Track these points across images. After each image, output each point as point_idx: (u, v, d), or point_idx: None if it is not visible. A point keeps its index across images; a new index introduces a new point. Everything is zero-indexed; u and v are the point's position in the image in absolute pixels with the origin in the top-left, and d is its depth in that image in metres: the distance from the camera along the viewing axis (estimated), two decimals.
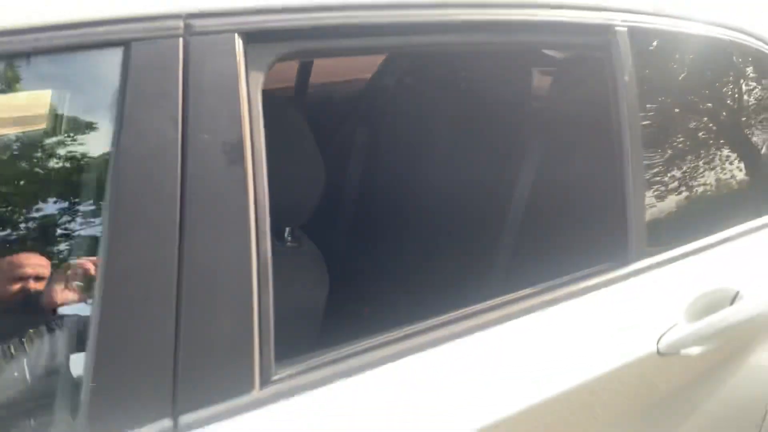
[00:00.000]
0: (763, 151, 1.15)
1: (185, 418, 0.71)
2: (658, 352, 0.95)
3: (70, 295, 0.74)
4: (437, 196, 1.12)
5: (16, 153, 0.76)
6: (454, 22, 0.89)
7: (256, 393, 0.75)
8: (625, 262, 0.98)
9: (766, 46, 1.12)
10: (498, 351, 0.86)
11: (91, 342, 0.68)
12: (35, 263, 0.74)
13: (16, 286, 0.73)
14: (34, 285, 0.73)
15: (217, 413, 0.73)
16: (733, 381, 1.05)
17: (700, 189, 1.09)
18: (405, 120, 1.25)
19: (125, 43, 0.72)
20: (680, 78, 1.11)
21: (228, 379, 0.74)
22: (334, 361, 0.78)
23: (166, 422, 0.70)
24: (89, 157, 0.74)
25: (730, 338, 1.02)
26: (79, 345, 0.70)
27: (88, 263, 0.74)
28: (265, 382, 0.75)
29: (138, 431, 0.69)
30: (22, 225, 0.74)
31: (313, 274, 0.96)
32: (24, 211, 0.74)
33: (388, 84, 1.33)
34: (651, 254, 1.00)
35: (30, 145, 0.76)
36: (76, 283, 0.73)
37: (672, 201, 1.06)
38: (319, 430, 0.76)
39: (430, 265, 1.05)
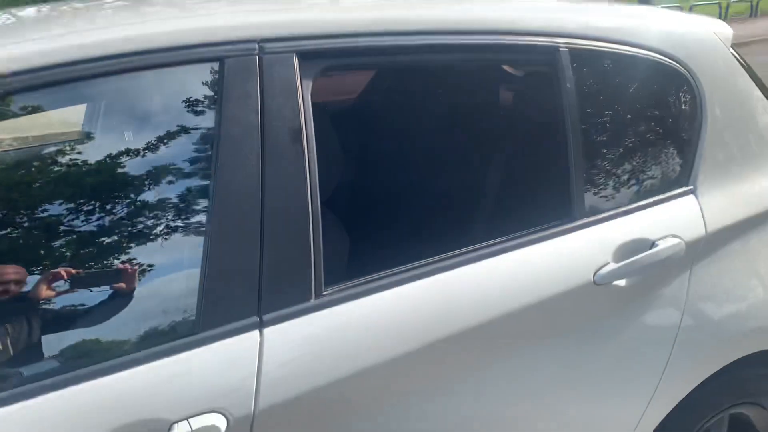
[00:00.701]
0: (662, 143, 1.51)
1: (267, 316, 1.04)
2: (594, 282, 1.31)
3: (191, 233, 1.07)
4: (432, 172, 1.46)
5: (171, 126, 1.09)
6: (440, 44, 1.25)
7: (312, 301, 1.08)
8: (571, 221, 1.34)
9: (676, 64, 1.50)
10: (476, 278, 1.21)
11: (204, 264, 1.01)
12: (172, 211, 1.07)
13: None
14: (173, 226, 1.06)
15: (287, 313, 1.06)
16: (651, 309, 1.41)
17: (623, 170, 1.45)
18: (400, 120, 1.60)
19: (221, 59, 1.07)
20: (606, 86, 1.47)
21: (294, 291, 1.07)
22: (357, 286, 1.12)
23: (255, 318, 1.03)
24: (204, 131, 1.07)
25: (648, 275, 1.38)
26: (195, 264, 1.03)
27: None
28: (318, 295, 1.09)
29: (237, 323, 1.02)
30: (170, 179, 1.07)
31: (339, 229, 1.30)
32: (171, 166, 1.07)
33: (382, 94, 1.67)
34: (588, 215, 1.36)
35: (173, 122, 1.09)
36: (193, 222, 1.06)
37: (602, 178, 1.42)
38: (350, 325, 1.09)
39: (425, 221, 1.39)
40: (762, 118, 1.66)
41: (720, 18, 14.10)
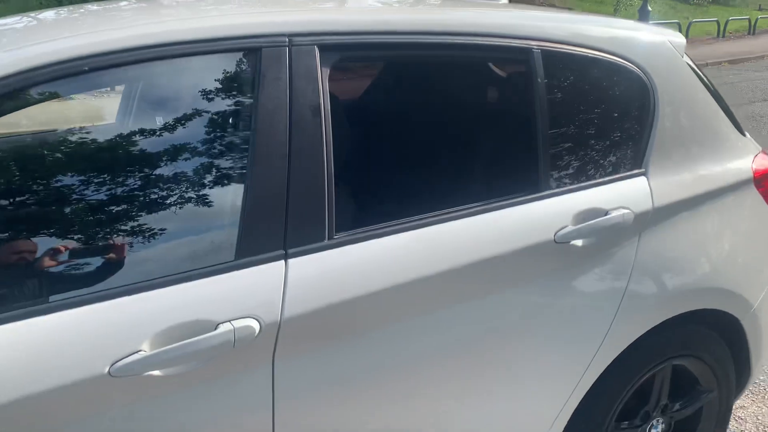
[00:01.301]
0: (619, 132, 1.80)
1: (291, 250, 1.33)
2: (555, 241, 1.59)
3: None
4: (427, 147, 1.74)
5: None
6: (433, 43, 1.55)
7: (326, 242, 1.37)
8: (538, 191, 1.63)
9: (627, 62, 1.79)
10: (458, 231, 1.49)
11: (243, 208, 1.30)
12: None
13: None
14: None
15: (306, 249, 1.35)
16: (603, 266, 1.69)
17: (584, 153, 1.74)
18: (398, 103, 1.89)
19: (259, 49, 1.36)
20: (571, 83, 1.76)
21: (312, 233, 1.36)
22: (361, 233, 1.40)
23: (281, 251, 1.32)
24: (245, 104, 1.36)
25: (601, 238, 1.66)
26: (237, 208, 1.31)
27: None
28: (330, 237, 1.37)
29: (269, 254, 1.30)
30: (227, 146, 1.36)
31: (348, 187, 1.59)
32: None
33: (386, 82, 1.96)
34: (553, 188, 1.65)
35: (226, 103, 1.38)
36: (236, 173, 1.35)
37: (566, 159, 1.71)
38: (353, 262, 1.37)
39: (419, 186, 1.67)
40: (707, 116, 1.96)
41: (718, 35, 14.41)
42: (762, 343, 2.07)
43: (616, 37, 1.84)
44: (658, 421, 1.96)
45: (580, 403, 1.75)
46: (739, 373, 2.08)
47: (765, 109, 9.05)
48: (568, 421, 1.76)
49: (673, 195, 1.82)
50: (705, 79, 2.03)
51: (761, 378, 2.85)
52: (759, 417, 2.57)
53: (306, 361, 1.33)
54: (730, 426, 2.49)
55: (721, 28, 20.85)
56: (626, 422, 1.90)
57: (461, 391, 1.56)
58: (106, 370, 1.14)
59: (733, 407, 2.54)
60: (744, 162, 2.01)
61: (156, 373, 1.18)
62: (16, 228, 1.21)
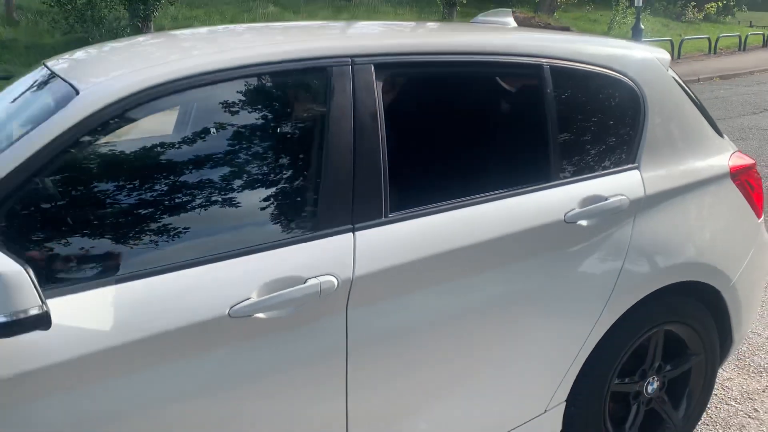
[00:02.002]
0: (616, 134, 2.16)
1: (357, 225, 1.68)
2: (565, 221, 1.95)
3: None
4: (462, 145, 2.08)
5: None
6: (464, 61, 1.92)
7: (382, 219, 1.72)
8: (550, 182, 1.99)
9: (620, 75, 2.16)
10: (486, 212, 1.85)
11: (321, 192, 1.65)
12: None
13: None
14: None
15: (368, 225, 1.70)
16: (605, 242, 2.04)
17: (587, 151, 2.10)
18: (435, 110, 2.23)
19: (329, 68, 1.72)
20: (575, 94, 2.12)
21: (373, 212, 1.71)
22: (409, 213, 1.75)
23: (350, 225, 1.67)
24: (319, 110, 1.72)
25: (602, 219, 2.01)
26: (316, 192, 1.67)
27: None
28: (386, 215, 1.73)
29: (341, 227, 1.66)
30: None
31: (398, 177, 1.94)
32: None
33: (424, 92, 2.31)
34: (562, 179, 2.01)
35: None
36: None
37: (573, 156, 2.07)
38: (403, 236, 1.72)
39: (454, 177, 2.01)
40: (689, 120, 2.32)
41: (710, 51, 14.92)
42: (741, 313, 2.42)
43: (612, 55, 2.21)
44: (653, 378, 2.30)
45: (586, 359, 2.09)
46: (723, 340, 2.43)
47: (754, 122, 9.47)
48: (577, 375, 2.10)
49: (662, 185, 2.18)
50: (687, 89, 2.40)
51: (745, 348, 3.19)
52: (743, 386, 2.90)
53: (370, 311, 1.68)
54: (717, 394, 2.83)
55: (713, 45, 21.39)
56: (626, 379, 2.24)
57: (491, 341, 1.90)
58: (227, 312, 1.49)
59: (721, 379, 2.89)
60: (722, 159, 2.37)
61: (261, 315, 1.53)
62: (167, 204, 1.56)
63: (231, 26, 2.18)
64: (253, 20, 20.03)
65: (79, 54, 2.06)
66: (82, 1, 14.67)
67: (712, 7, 36.32)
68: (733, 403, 2.79)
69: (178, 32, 2.18)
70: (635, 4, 18.26)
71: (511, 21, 2.61)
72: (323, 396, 1.65)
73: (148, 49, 1.98)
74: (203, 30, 2.21)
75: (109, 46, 2.09)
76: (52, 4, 14.78)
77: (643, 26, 18.62)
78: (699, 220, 2.28)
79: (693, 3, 34.58)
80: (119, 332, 1.40)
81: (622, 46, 2.31)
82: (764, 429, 2.61)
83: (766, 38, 27.23)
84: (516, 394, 2.00)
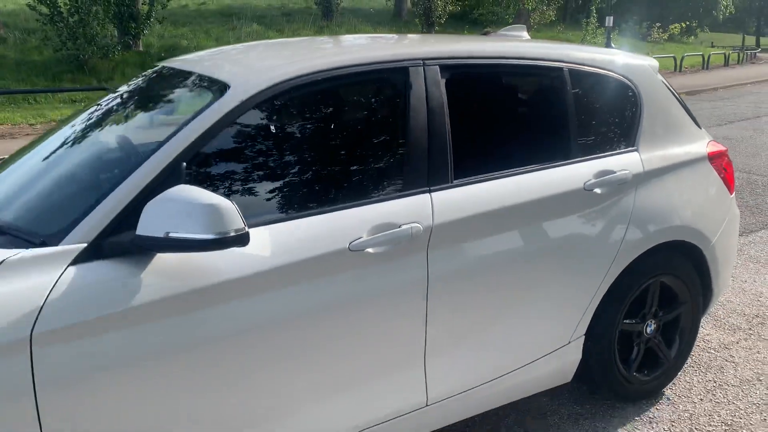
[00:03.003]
0: (619, 124, 2.72)
1: (432, 188, 2.20)
2: (584, 189, 2.49)
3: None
4: (504, 131, 2.62)
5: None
6: (499, 64, 2.47)
7: (449, 184, 2.24)
8: (570, 159, 2.53)
9: (619, 76, 2.72)
10: (522, 181, 2.38)
11: (403, 164, 2.17)
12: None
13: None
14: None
15: (440, 188, 2.22)
16: (614, 207, 2.58)
17: (598, 137, 2.66)
18: (482, 101, 2.75)
19: (407, 68, 2.25)
20: (586, 92, 2.69)
21: (443, 178, 2.23)
22: (468, 180, 2.28)
23: (427, 188, 2.19)
24: (401, 100, 2.24)
25: (612, 187, 2.56)
26: (398, 163, 2.18)
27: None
28: (452, 181, 2.25)
29: (420, 189, 2.17)
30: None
31: (461, 152, 2.47)
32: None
33: (475, 88, 2.85)
34: (579, 157, 2.55)
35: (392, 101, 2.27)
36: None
37: (587, 141, 2.61)
38: (465, 197, 2.24)
39: (499, 155, 2.54)
40: (674, 113, 2.90)
41: (675, 70, 15.88)
42: (719, 269, 2.98)
43: (615, 61, 2.78)
44: (651, 321, 2.84)
45: (600, 302, 2.63)
46: (705, 291, 2.99)
47: (721, 132, 10.26)
48: (592, 316, 2.63)
49: (656, 164, 2.74)
50: (672, 89, 2.98)
51: (721, 312, 3.77)
52: (720, 340, 3.47)
53: (443, 251, 2.18)
54: (700, 345, 3.39)
55: (678, 64, 22.51)
56: (632, 320, 2.78)
57: (531, 281, 2.42)
58: (347, 246, 1.99)
59: (702, 334, 3.45)
60: (700, 145, 2.96)
61: (370, 250, 2.03)
62: (307, 167, 2.06)
63: (318, 38, 2.70)
64: (239, 39, 20.54)
65: (199, 57, 2.56)
66: (74, 20, 15.01)
67: (676, 27, 37.87)
68: (713, 351, 3.35)
69: (279, 41, 2.68)
70: (606, 24, 19.21)
71: (525, 34, 3.18)
72: (411, 315, 2.15)
73: (268, 52, 2.49)
74: (295, 40, 2.72)
75: (227, 50, 2.59)
76: (45, 22, 15.10)
77: (614, 45, 19.58)
78: (685, 192, 2.84)
79: (658, 24, 36.00)
80: (275, 257, 1.89)
81: (622, 55, 2.89)
82: (738, 369, 3.17)
83: (727, 57, 28.57)
84: (548, 325, 2.52)
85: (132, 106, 2.51)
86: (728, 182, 3.03)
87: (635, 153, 2.72)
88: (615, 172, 2.60)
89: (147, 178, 1.80)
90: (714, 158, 2.99)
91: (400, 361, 2.18)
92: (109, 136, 2.26)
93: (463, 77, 2.44)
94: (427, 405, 2.27)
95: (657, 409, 2.85)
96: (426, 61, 2.29)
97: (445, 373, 2.29)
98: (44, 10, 14.99)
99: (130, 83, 2.65)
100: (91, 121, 2.43)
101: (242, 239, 1.70)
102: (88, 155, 2.21)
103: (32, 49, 17.20)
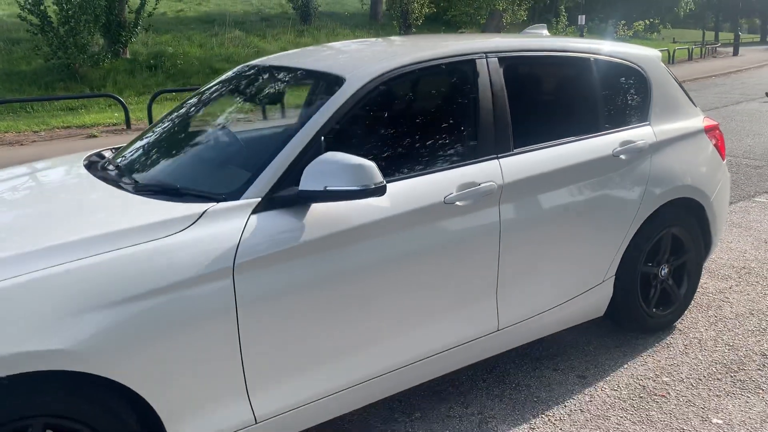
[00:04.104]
0: (635, 103, 3.33)
1: (499, 155, 2.77)
2: (613, 155, 3.08)
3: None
4: (547, 111, 3.22)
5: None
6: (543, 56, 3.05)
7: (511, 152, 2.82)
8: (599, 132, 3.12)
9: (630, 63, 3.33)
10: (561, 150, 2.96)
11: (480, 136, 2.74)
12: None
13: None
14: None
15: (504, 155, 2.79)
16: (635, 170, 3.17)
17: (618, 114, 3.26)
18: (530, 86, 3.34)
19: (474, 60, 2.83)
20: (607, 77, 3.28)
21: (506, 148, 2.80)
22: (526, 149, 2.85)
23: (495, 155, 2.77)
24: (470, 86, 2.81)
25: (633, 155, 3.16)
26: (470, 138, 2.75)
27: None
28: (512, 150, 2.82)
29: (491, 155, 2.74)
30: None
31: (519, 128, 3.05)
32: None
33: (531, 75, 3.44)
34: (605, 131, 3.14)
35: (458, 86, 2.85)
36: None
37: (610, 118, 3.21)
38: (520, 163, 2.82)
39: (541, 131, 3.12)
40: (676, 94, 3.52)
41: None
42: (716, 223, 3.61)
43: (629, 52, 3.39)
44: (665, 266, 3.45)
45: (626, 249, 3.22)
46: (706, 240, 3.61)
47: None
48: (620, 260, 3.22)
49: (665, 135, 3.35)
50: (673, 75, 3.60)
51: (713, 266, 4.41)
52: (716, 286, 4.11)
53: (511, 205, 2.75)
54: (699, 290, 4.02)
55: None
56: (650, 264, 3.38)
57: (576, 229, 3.00)
58: (443, 199, 2.55)
59: (701, 284, 4.07)
60: (698, 120, 3.58)
61: (458, 203, 2.59)
62: (412, 141, 2.60)
63: (392, 39, 3.26)
64: (222, 44, 20.93)
65: (288, 56, 3.09)
66: (64, 29, 15.29)
67: (640, 25, 39.11)
68: (711, 295, 3.98)
69: (358, 42, 3.23)
70: (579, 23, 20.05)
71: (546, 32, 3.78)
72: (487, 255, 2.71)
73: (362, 51, 3.04)
74: (373, 40, 3.27)
75: (312, 50, 3.13)
76: (36, 32, 15.34)
77: None
78: (688, 158, 3.46)
79: (623, 22, 37.19)
80: (392, 208, 2.44)
81: (634, 47, 3.50)
82: (733, 307, 3.80)
83: (691, 52, 29.73)
84: (587, 266, 3.11)
85: (253, 93, 3.06)
86: (720, 150, 3.66)
87: (648, 127, 3.32)
88: (635, 142, 3.20)
89: (297, 150, 2.34)
90: (709, 131, 3.62)
91: (480, 292, 2.74)
92: (245, 117, 2.80)
93: (516, 66, 3.02)
94: (498, 330, 2.84)
95: (672, 337, 3.46)
96: (488, 54, 2.87)
97: (512, 303, 2.86)
98: (34, 20, 15.24)
99: (225, 79, 3.18)
100: (217, 106, 2.96)
101: (381, 190, 2.24)
102: (237, 134, 2.75)
103: (19, 59, 17.38)
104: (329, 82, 2.62)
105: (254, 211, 2.21)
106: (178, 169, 2.59)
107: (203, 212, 2.16)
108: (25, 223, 2.20)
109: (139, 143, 3.03)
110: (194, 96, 3.19)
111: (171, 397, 2.05)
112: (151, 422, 2.09)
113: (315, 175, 2.21)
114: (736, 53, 36.97)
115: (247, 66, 3.21)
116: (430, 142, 2.67)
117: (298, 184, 2.24)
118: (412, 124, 2.71)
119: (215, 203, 2.21)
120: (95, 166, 2.87)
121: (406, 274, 2.49)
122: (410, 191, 2.51)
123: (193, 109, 3.09)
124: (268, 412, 2.25)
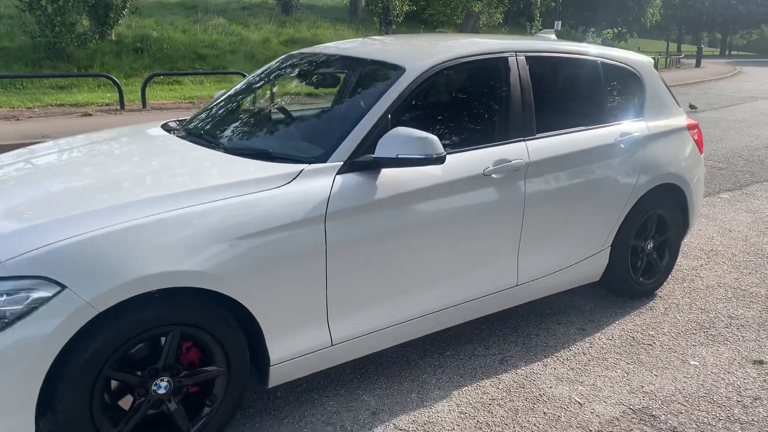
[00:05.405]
0: (632, 101, 3.92)
1: (525, 138, 3.32)
2: (615, 143, 3.65)
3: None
4: (561, 103, 3.78)
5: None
6: (560, 57, 3.62)
7: (534, 136, 3.36)
8: (602, 123, 3.69)
9: (622, 65, 3.91)
10: (574, 136, 3.53)
11: (509, 123, 3.28)
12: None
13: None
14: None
15: (528, 138, 3.34)
16: (632, 157, 3.74)
17: (619, 110, 3.84)
18: (545, 81, 3.90)
19: (507, 59, 3.37)
20: (609, 78, 3.86)
21: (530, 132, 3.35)
22: (546, 135, 3.40)
23: (522, 138, 3.31)
24: (503, 76, 3.34)
25: (630, 144, 3.73)
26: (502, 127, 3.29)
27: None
28: (535, 134, 3.37)
29: (518, 138, 3.29)
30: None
31: (542, 114, 3.58)
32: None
33: (551, 73, 3.98)
34: (607, 123, 3.72)
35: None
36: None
37: (612, 112, 3.78)
38: (543, 145, 3.37)
39: (557, 120, 3.67)
40: (665, 95, 4.13)
41: None
42: (694, 207, 4.23)
43: (627, 57, 3.98)
44: (650, 240, 4.05)
45: (620, 224, 3.80)
46: (685, 221, 4.23)
47: None
48: (616, 233, 3.80)
49: (656, 129, 3.95)
50: (662, 78, 4.21)
51: (686, 249, 5.06)
52: (689, 264, 4.74)
53: (535, 180, 3.30)
54: (675, 267, 4.65)
55: None
56: (639, 239, 3.98)
57: (581, 204, 3.56)
58: (482, 172, 3.08)
59: (677, 263, 4.70)
60: (682, 118, 4.20)
61: (494, 176, 3.12)
62: (462, 121, 3.12)
63: (438, 35, 3.77)
64: (205, 30, 21.11)
65: (345, 46, 3.59)
66: (52, 8, 15.36)
67: (608, 33, 40.33)
68: (685, 271, 4.62)
69: (408, 37, 3.74)
70: (555, 29, 20.84)
71: (553, 36, 4.35)
72: (514, 220, 3.25)
73: (420, 42, 3.54)
74: (422, 36, 3.77)
75: (371, 41, 3.64)
76: (24, 8, 15.37)
77: None
78: (674, 150, 4.06)
79: (593, 29, 38.32)
80: (443, 176, 2.95)
81: (632, 53, 4.09)
82: (704, 280, 4.44)
83: (656, 62, 30.92)
84: (591, 235, 3.68)
85: (320, 77, 3.57)
86: (699, 146, 4.29)
87: (643, 121, 3.92)
88: (632, 133, 3.79)
89: (370, 124, 2.84)
90: (690, 128, 4.23)
91: (506, 251, 3.28)
92: (313, 97, 3.29)
93: (539, 65, 3.57)
94: (517, 285, 3.39)
95: (654, 303, 4.07)
96: (517, 53, 3.41)
97: (529, 263, 3.41)
98: None
99: (288, 63, 3.67)
100: (284, 85, 3.44)
101: (442, 159, 2.76)
102: (310, 110, 3.24)
103: (2, 35, 17.33)
104: (391, 70, 3.12)
105: (339, 172, 2.71)
106: (265, 136, 3.07)
107: (301, 171, 2.65)
108: (159, 172, 2.67)
109: (210, 114, 3.50)
110: (261, 74, 3.65)
111: (273, 319, 2.53)
112: (251, 342, 2.58)
113: (389, 144, 2.72)
114: (698, 65, 38.50)
115: (309, 52, 3.69)
116: (471, 124, 3.20)
117: (370, 152, 2.75)
118: (457, 108, 3.24)
119: (307, 164, 2.70)
120: (178, 132, 3.33)
121: (452, 231, 3.01)
122: (457, 163, 3.03)
123: (261, 85, 3.55)
124: (342, 336, 2.76)
